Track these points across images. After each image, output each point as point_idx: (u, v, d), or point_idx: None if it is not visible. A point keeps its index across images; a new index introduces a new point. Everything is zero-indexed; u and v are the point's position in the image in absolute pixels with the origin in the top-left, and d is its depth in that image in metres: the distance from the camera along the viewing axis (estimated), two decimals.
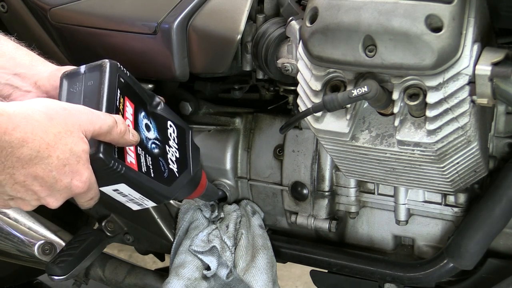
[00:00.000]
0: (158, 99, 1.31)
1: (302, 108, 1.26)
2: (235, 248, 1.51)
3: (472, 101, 1.12)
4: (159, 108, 1.31)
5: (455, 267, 1.36)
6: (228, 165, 1.55)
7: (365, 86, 1.12)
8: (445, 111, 1.12)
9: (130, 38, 1.41)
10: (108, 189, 1.17)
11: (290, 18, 1.29)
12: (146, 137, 1.22)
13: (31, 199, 1.06)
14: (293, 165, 1.49)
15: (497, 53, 1.11)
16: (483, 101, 1.11)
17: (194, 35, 1.37)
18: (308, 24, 1.17)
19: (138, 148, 1.18)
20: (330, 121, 1.22)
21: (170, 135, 1.30)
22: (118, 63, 1.20)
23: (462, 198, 1.38)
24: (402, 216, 1.43)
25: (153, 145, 1.23)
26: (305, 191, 1.48)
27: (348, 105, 1.19)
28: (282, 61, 1.33)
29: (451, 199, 1.39)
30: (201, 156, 1.53)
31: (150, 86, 1.44)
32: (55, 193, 1.07)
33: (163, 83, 1.50)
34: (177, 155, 1.29)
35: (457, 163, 1.21)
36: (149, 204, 1.25)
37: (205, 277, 1.51)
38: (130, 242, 1.76)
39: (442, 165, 1.20)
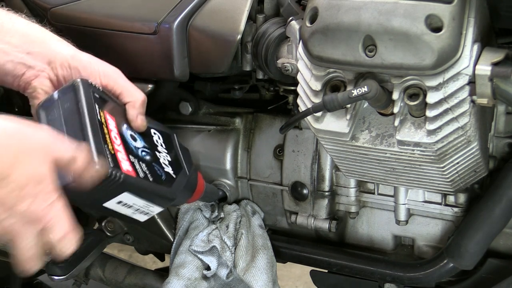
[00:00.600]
0: None
1: (302, 108, 1.26)
2: (235, 248, 1.50)
3: (472, 101, 1.12)
4: None
5: (455, 267, 1.35)
6: (228, 165, 1.55)
7: (365, 86, 1.12)
8: (445, 111, 1.12)
9: (130, 38, 1.40)
10: (112, 204, 1.16)
11: (290, 18, 1.29)
12: (135, 146, 1.21)
13: None
14: (293, 165, 1.49)
15: (497, 53, 1.11)
16: (483, 101, 1.11)
17: (194, 35, 1.37)
18: (308, 24, 1.17)
19: (131, 156, 1.18)
20: (330, 121, 1.22)
21: (157, 141, 1.30)
22: (89, 80, 1.18)
23: (462, 198, 1.38)
24: (402, 216, 1.43)
25: (144, 153, 1.23)
26: (305, 191, 1.48)
27: (348, 105, 1.19)
28: (282, 61, 1.33)
29: (451, 199, 1.39)
30: (200, 156, 1.53)
31: (150, 86, 1.44)
32: (13, 218, 0.96)
33: (163, 83, 1.50)
34: (169, 159, 1.29)
35: (457, 163, 1.21)
36: (155, 210, 1.25)
37: (205, 277, 1.51)
38: (130, 242, 1.75)
39: (442, 165, 1.20)
